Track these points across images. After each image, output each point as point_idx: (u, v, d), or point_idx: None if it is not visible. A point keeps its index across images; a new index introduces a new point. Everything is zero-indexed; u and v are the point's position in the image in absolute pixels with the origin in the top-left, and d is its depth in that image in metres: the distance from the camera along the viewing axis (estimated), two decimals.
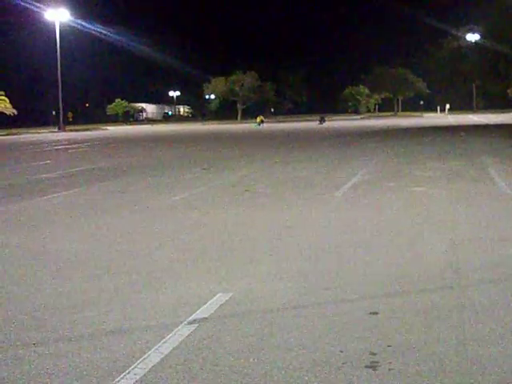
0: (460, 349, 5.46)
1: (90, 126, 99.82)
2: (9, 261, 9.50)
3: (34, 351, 5.71)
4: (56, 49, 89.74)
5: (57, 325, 6.42)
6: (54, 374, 5.21)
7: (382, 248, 9.53)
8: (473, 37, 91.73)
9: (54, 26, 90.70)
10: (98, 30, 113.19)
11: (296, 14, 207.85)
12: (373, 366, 5.13)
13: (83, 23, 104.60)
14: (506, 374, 4.95)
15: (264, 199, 15.23)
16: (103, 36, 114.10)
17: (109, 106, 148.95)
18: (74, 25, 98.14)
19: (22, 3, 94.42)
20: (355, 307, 6.67)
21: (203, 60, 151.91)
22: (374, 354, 5.36)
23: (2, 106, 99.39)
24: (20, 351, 5.73)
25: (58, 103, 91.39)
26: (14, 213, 14.46)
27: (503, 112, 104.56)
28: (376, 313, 6.44)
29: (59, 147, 45.62)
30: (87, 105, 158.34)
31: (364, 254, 9.14)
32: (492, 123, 64.84)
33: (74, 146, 46.45)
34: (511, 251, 9.07)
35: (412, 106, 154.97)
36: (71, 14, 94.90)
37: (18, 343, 5.93)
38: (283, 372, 5.09)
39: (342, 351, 5.46)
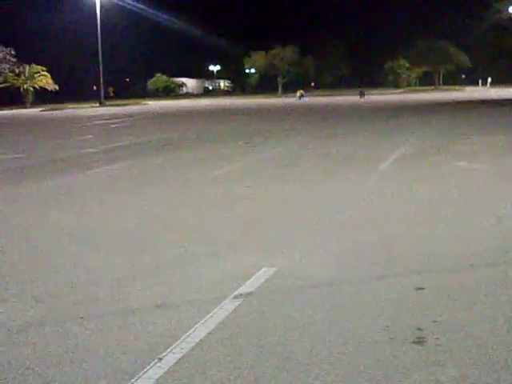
0: (506, 325, 5.41)
1: (130, 101, 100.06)
2: (52, 236, 9.56)
3: (81, 325, 5.76)
4: (97, 24, 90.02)
5: (102, 299, 6.47)
6: (100, 348, 5.25)
7: (427, 223, 9.46)
8: None
9: (95, 1, 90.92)
10: (139, 5, 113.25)
11: None
12: (419, 342, 5.10)
13: None
14: None
15: (306, 173, 15.19)
16: (143, 11, 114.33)
17: (149, 81, 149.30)
18: (114, 0, 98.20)
19: None
20: (401, 282, 6.64)
21: (243, 34, 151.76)
22: (421, 330, 5.33)
23: (44, 81, 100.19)
24: (67, 325, 5.78)
25: (99, 78, 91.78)
26: (56, 188, 14.57)
27: None
28: (422, 288, 6.40)
29: (100, 122, 45.82)
30: (127, 79, 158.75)
31: (409, 229, 9.08)
32: None
33: (114, 120, 46.62)
34: None
35: (453, 79, 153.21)
36: None
37: (65, 318, 5.98)
38: (328, 347, 5.08)
39: (388, 326, 5.44)
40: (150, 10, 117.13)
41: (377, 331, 5.36)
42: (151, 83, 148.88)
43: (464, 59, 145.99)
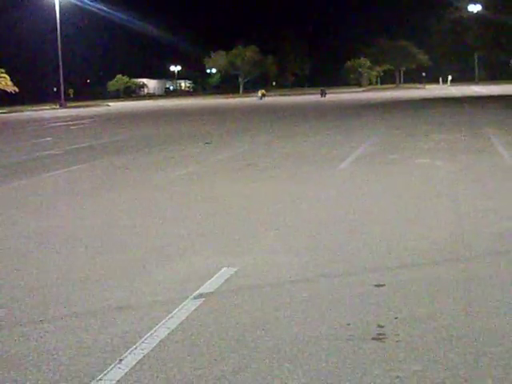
0: (467, 320, 5.45)
1: (91, 103, 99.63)
2: (12, 238, 9.48)
3: (41, 328, 5.71)
4: (56, 25, 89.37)
5: (63, 301, 6.41)
6: (61, 350, 5.20)
7: (387, 220, 9.52)
8: (474, 7, 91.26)
9: (54, 2, 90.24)
10: (97, 6, 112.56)
11: None
12: (380, 338, 5.12)
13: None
14: None
15: (267, 173, 15.20)
16: (103, 12, 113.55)
17: (110, 82, 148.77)
18: (73, 1, 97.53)
19: None
20: (361, 280, 6.66)
21: (204, 34, 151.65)
22: (382, 327, 5.35)
23: (3, 83, 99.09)
24: (26, 328, 5.72)
25: (59, 80, 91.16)
26: (16, 190, 14.45)
27: (506, 83, 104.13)
28: (382, 285, 6.43)
29: (61, 124, 45.51)
30: (88, 81, 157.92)
31: (369, 227, 9.12)
32: (494, 94, 64.55)
33: (75, 122, 46.35)
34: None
35: (414, 78, 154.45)
36: None
37: (25, 320, 5.92)
38: (290, 345, 5.09)
39: (348, 324, 5.45)
40: (110, 11, 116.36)
41: (338, 328, 5.37)
42: (111, 84, 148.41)
43: (424, 58, 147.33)
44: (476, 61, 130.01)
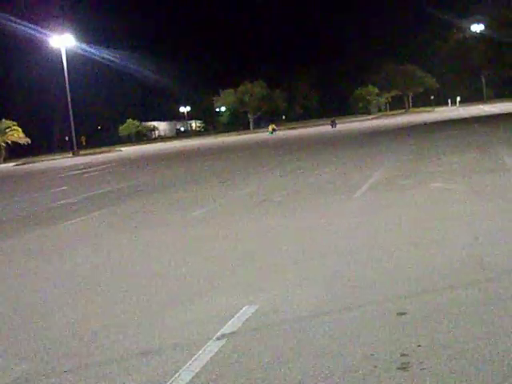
0: (490, 343, 5.43)
1: (103, 149, 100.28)
2: (32, 288, 9.52)
3: (66, 379, 5.73)
4: (64, 74, 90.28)
5: (86, 350, 6.44)
6: None
7: (405, 247, 9.50)
8: (478, 27, 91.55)
9: (60, 52, 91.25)
10: (104, 53, 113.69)
11: (300, 20, 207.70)
12: (404, 368, 5.11)
13: (89, 48, 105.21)
14: None
15: (282, 208, 15.21)
16: (109, 59, 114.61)
17: (121, 127, 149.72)
18: (79, 50, 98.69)
19: (28, 30, 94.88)
20: (383, 309, 6.65)
21: (211, 73, 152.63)
22: (405, 355, 5.34)
23: (16, 135, 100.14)
24: (51, 380, 5.74)
25: (70, 128, 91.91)
26: (34, 240, 14.52)
27: None
28: (404, 313, 6.42)
29: (75, 172, 45.75)
30: (99, 127, 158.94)
31: (387, 255, 9.11)
32: (503, 112, 64.45)
33: (89, 169, 46.59)
34: None
35: (423, 101, 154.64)
36: (76, 40, 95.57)
37: (50, 372, 5.94)
38: (315, 380, 5.08)
39: (372, 354, 5.45)
40: (115, 57, 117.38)
41: (362, 360, 5.36)
42: (122, 129, 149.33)
43: (431, 81, 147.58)
44: (483, 80, 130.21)
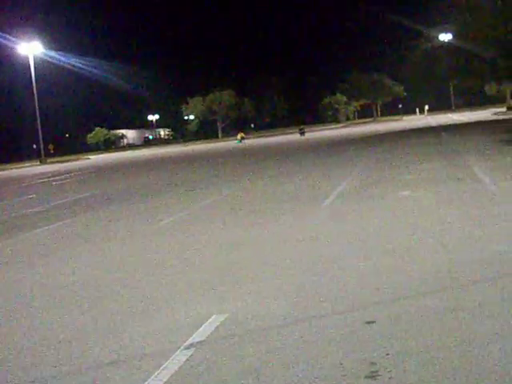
0: (459, 351, 5.44)
1: (71, 157, 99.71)
2: None
3: None
4: (31, 82, 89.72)
5: (54, 360, 6.36)
6: None
7: (373, 255, 9.50)
8: (445, 37, 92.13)
9: (28, 59, 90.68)
10: (72, 61, 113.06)
11: (267, 29, 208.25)
12: (373, 376, 5.10)
13: (57, 55, 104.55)
14: (508, 372, 4.93)
15: (251, 216, 15.18)
16: (77, 67, 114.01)
17: (89, 135, 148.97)
18: (47, 57, 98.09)
19: None
20: (352, 318, 6.64)
21: (180, 82, 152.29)
22: (374, 364, 5.33)
23: None
24: None
25: (38, 136, 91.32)
26: (2, 249, 14.38)
27: (482, 109, 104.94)
28: (373, 322, 6.41)
29: (42, 180, 45.45)
30: (67, 135, 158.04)
31: (356, 263, 9.11)
32: (472, 121, 64.95)
33: (56, 178, 46.30)
34: (501, 248, 9.05)
35: (391, 110, 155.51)
36: (44, 47, 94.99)
37: (16, 381, 5.87)
38: None
39: (341, 363, 5.43)
40: (85, 66, 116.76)
41: (331, 369, 5.34)
42: (91, 137, 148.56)
43: (399, 89, 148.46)
44: (451, 89, 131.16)
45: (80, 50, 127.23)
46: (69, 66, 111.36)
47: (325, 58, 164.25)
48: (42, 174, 56.13)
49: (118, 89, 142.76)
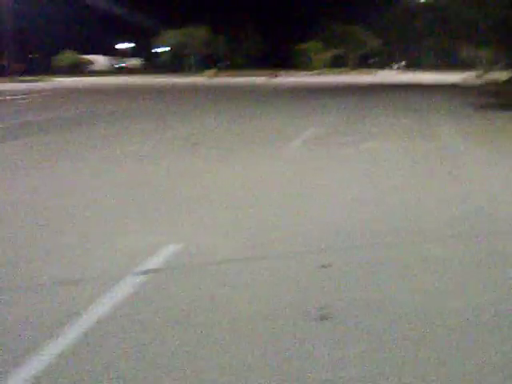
0: (415, 301, 5.41)
1: (39, 77, 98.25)
2: None
3: None
4: None
5: (2, 276, 6.25)
6: None
7: (332, 202, 9.47)
8: None
9: None
10: None
11: None
12: (326, 319, 5.06)
13: None
14: (465, 323, 4.95)
15: (214, 152, 15.07)
16: None
17: (58, 58, 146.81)
18: None
19: None
20: (309, 260, 6.59)
21: (155, 12, 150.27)
22: (325, 308, 5.29)
23: None
24: None
25: (8, 54, 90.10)
26: None
27: (455, 71, 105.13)
28: (327, 266, 6.36)
29: (9, 98, 44.85)
30: (36, 55, 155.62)
31: (313, 208, 9.07)
32: (443, 83, 64.99)
33: (22, 96, 45.71)
34: (464, 207, 9.07)
35: (365, 63, 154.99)
36: None
37: None
38: (232, 323, 5.01)
39: (291, 304, 5.39)
40: None
41: (280, 309, 5.29)
42: (59, 60, 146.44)
43: (376, 43, 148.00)
44: (425, 49, 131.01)
45: None
46: None
47: (304, 4, 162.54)
48: (9, 91, 55.28)
49: (91, 12, 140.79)
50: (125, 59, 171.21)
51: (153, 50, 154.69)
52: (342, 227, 7.91)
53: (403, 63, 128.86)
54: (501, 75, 53.55)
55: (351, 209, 9.01)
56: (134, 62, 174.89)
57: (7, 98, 44.60)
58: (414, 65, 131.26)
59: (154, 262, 6.52)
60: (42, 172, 12.62)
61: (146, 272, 6.22)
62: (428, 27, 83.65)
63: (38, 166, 13.30)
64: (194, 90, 56.07)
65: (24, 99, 41.94)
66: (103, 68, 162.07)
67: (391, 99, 35.82)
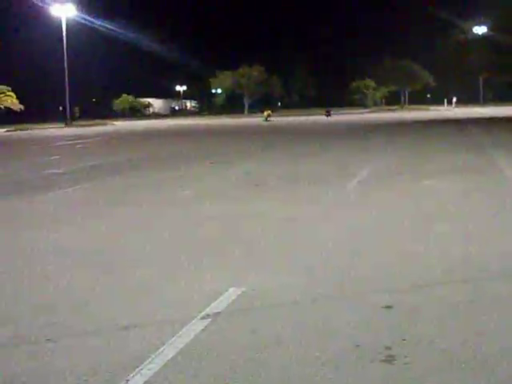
0: (476, 341, 5.41)
1: (97, 122, 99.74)
2: (15, 258, 9.45)
3: (48, 348, 5.67)
4: (63, 44, 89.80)
5: (68, 321, 6.38)
6: (67, 369, 5.16)
7: (395, 241, 9.48)
8: (480, 29, 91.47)
9: (61, 21, 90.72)
10: (104, 24, 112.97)
11: (303, 6, 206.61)
12: (389, 360, 5.08)
13: (89, 18, 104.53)
14: None
15: (274, 193, 15.14)
16: (109, 31, 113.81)
17: (115, 101, 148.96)
18: (80, 20, 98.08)
19: None
20: (369, 301, 6.61)
21: (210, 54, 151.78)
22: (390, 348, 5.32)
23: (9, 101, 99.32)
24: (33, 347, 5.69)
25: (65, 99, 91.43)
26: (19, 209, 14.45)
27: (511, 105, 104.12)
28: (390, 307, 6.38)
29: (67, 142, 45.57)
30: (94, 100, 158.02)
31: (376, 248, 9.08)
32: (499, 116, 64.39)
33: (81, 141, 46.38)
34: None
35: (419, 99, 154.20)
36: (77, 9, 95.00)
37: (32, 339, 5.89)
38: (299, 366, 5.05)
39: (357, 345, 5.42)
40: (117, 30, 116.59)
41: (346, 350, 5.33)
42: (117, 103, 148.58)
43: (429, 79, 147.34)
44: (481, 83, 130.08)
45: (113, 15, 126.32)
46: (101, 29, 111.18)
47: (357, 42, 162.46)
48: (67, 136, 56.21)
49: (148, 57, 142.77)
50: (180, 101, 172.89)
51: (207, 92, 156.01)
52: (403, 268, 7.93)
53: (455, 99, 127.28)
54: None
55: (412, 249, 9.01)
56: (190, 103, 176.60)
57: (72, 142, 45.32)
58: (467, 100, 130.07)
59: (219, 306, 6.59)
60: (113, 212, 12.85)
61: (211, 316, 6.29)
62: (482, 62, 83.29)
63: (109, 206, 13.54)
64: (248, 131, 56.31)
65: (84, 144, 42.56)
66: (160, 111, 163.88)
67: (444, 135, 35.56)
